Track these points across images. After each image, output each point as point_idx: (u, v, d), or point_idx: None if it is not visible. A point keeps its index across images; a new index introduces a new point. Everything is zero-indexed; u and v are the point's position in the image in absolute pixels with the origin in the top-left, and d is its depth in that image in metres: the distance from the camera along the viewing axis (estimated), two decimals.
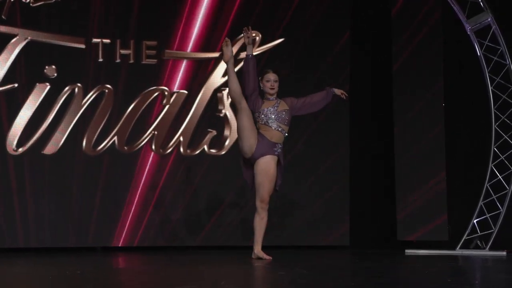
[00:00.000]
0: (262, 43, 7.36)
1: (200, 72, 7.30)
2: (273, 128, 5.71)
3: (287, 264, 5.45)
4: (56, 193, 6.91)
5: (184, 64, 7.27)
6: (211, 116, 7.28)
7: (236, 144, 7.19)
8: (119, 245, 7.01)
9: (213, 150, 7.25)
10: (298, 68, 7.39)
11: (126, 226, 7.03)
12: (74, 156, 7.00)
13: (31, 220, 6.84)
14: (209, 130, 7.27)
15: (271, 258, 5.72)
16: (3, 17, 6.84)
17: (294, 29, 7.44)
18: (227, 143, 7.30)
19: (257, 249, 5.76)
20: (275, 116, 5.72)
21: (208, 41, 7.30)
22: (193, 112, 7.26)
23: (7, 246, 6.77)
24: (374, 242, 7.37)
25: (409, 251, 6.71)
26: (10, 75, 6.88)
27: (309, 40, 7.45)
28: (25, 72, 6.93)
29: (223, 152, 7.28)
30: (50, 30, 6.98)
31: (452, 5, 6.93)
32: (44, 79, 6.96)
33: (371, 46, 7.71)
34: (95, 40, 7.07)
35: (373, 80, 7.71)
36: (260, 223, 5.73)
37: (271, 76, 5.78)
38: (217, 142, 7.29)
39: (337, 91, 5.88)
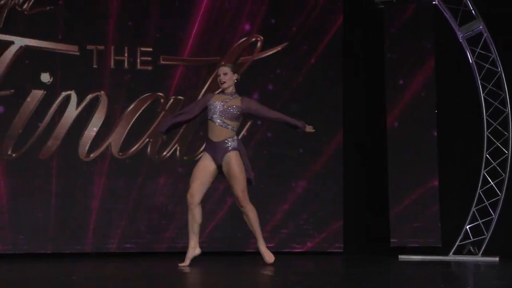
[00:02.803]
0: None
1: (197, 77, 7.33)
2: (217, 123, 5.70)
3: (280, 270, 5.48)
4: (50, 198, 6.93)
5: (180, 70, 7.31)
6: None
7: None
8: (114, 251, 7.02)
9: None
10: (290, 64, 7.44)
11: (120, 232, 7.04)
12: (69, 162, 7.02)
13: (23, 225, 6.85)
14: None
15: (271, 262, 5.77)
16: None
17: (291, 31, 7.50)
18: None
19: (260, 246, 5.82)
20: (220, 111, 5.71)
21: (205, 45, 7.34)
22: None
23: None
24: (367, 248, 7.41)
25: (402, 257, 6.75)
26: (7, 81, 6.91)
27: (302, 36, 7.48)
28: (21, 79, 6.96)
29: None
30: (45, 37, 7.02)
31: (444, 13, 7.00)
32: (39, 85, 6.99)
33: (363, 47, 7.75)
34: (89, 46, 7.10)
35: (366, 82, 7.74)
36: (247, 219, 5.81)
37: (220, 71, 5.83)
38: None
39: (308, 130, 5.92)
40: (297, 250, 7.33)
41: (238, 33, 7.40)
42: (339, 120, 7.47)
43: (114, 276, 5.14)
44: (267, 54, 7.43)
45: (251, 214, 5.78)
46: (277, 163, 7.36)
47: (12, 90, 6.93)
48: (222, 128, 5.68)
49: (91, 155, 7.08)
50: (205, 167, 5.71)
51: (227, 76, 5.77)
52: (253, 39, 7.42)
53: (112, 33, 7.17)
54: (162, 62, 7.26)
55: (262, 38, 7.43)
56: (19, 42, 6.95)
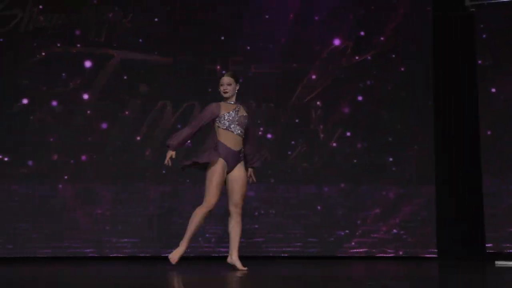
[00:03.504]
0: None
1: (288, 84, 7.47)
2: (235, 132, 5.80)
3: (375, 275, 5.52)
4: (149, 204, 7.25)
5: (271, 78, 7.47)
6: (301, 129, 7.44)
7: (325, 160, 7.38)
8: (209, 255, 7.28)
9: (304, 164, 7.38)
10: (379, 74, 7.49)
11: (215, 236, 7.26)
12: (166, 169, 7.28)
13: (126, 230, 7.20)
14: (298, 142, 7.42)
15: (246, 268, 5.78)
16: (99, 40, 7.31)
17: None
18: (316, 158, 7.42)
19: (235, 256, 5.84)
20: (236, 120, 5.81)
21: (294, 55, 7.47)
22: (282, 125, 7.43)
23: (105, 254, 7.19)
24: (462, 253, 7.31)
25: (499, 263, 6.62)
26: (108, 92, 7.32)
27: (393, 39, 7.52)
28: (120, 90, 7.34)
29: (314, 166, 7.40)
30: (142, 49, 7.38)
31: None
32: (137, 95, 7.34)
33: (453, 54, 7.64)
34: (182, 57, 7.40)
35: (457, 89, 7.62)
36: (235, 227, 5.80)
37: (224, 80, 5.84)
38: (307, 155, 7.43)
39: (252, 173, 5.91)
40: (389, 255, 7.34)
41: (327, 44, 7.48)
42: (430, 127, 7.44)
43: (212, 279, 5.33)
44: (357, 61, 7.47)
45: (241, 223, 5.81)
46: (367, 171, 7.41)
47: (112, 101, 7.31)
48: (239, 137, 5.82)
49: (187, 163, 7.33)
50: (222, 178, 5.78)
51: (231, 86, 5.84)
52: (343, 46, 7.49)
53: (205, 45, 7.43)
54: (253, 71, 7.45)
55: (351, 44, 7.48)
56: (119, 55, 7.33)
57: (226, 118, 5.82)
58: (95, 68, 7.32)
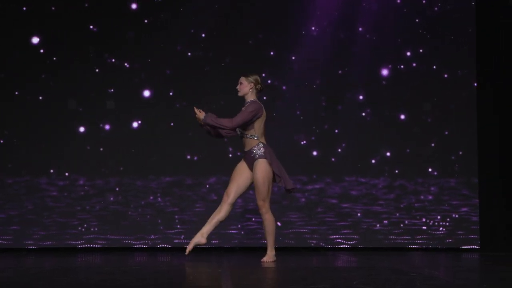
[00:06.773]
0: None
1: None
2: (239, 134, 5.87)
3: (416, 266, 5.60)
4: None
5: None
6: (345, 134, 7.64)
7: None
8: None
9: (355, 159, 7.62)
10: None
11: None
12: None
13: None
14: (342, 146, 7.58)
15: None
16: None
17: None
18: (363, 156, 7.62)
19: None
20: None
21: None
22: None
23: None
24: (505, 245, 7.30)
25: None
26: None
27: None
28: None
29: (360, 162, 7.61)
30: None
31: None
32: None
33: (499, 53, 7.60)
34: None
35: (500, 86, 7.61)
36: (264, 228, 5.84)
37: (239, 80, 5.91)
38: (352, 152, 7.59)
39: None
40: (432, 247, 7.41)
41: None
42: (473, 123, 7.48)
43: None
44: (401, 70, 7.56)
45: (268, 224, 5.79)
46: (408, 164, 7.52)
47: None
48: (244, 139, 5.84)
49: None
50: (242, 172, 5.85)
51: (242, 85, 5.86)
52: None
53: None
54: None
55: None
56: None
57: None
58: None
